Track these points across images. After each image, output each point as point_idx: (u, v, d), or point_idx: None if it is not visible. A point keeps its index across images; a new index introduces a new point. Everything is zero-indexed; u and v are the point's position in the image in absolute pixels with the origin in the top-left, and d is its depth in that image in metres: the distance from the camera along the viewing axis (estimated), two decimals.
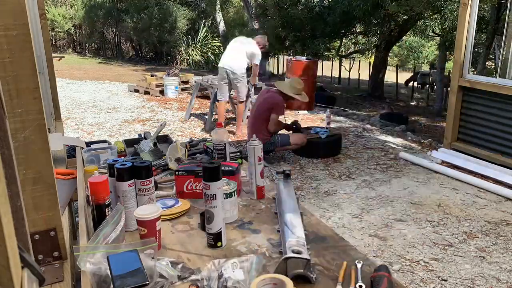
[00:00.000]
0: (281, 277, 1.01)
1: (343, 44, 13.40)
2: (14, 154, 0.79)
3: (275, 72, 14.98)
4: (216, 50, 15.88)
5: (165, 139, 2.39)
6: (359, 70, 14.03)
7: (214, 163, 1.26)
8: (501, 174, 3.94)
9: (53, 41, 18.09)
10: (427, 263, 2.67)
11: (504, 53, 4.80)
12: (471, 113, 4.56)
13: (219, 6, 14.99)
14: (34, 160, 1.00)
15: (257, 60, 5.59)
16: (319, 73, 7.68)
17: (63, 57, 15.26)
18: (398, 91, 11.79)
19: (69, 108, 7.19)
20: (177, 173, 1.62)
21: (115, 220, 1.16)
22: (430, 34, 9.58)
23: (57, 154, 2.06)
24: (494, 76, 5.49)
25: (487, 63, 9.48)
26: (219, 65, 5.65)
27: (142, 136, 2.28)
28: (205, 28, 16.12)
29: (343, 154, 4.85)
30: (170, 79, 8.33)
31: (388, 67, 11.87)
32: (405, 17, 8.80)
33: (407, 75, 14.36)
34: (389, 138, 5.58)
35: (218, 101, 5.68)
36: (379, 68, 10.37)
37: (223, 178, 1.30)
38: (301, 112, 6.83)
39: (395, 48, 17.05)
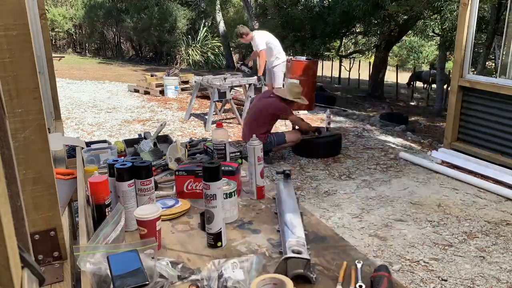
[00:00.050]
0: (281, 277, 1.01)
1: (343, 44, 13.40)
2: (14, 154, 0.79)
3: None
4: (216, 50, 15.89)
5: (165, 139, 2.39)
6: (359, 70, 14.02)
7: (214, 163, 1.26)
8: (501, 174, 3.94)
9: (53, 41, 18.08)
10: (427, 263, 2.67)
11: (504, 53, 4.80)
12: (471, 113, 4.56)
13: (219, 6, 15.00)
14: (34, 160, 1.00)
15: (257, 47, 6.39)
16: (319, 73, 7.67)
17: (63, 57, 15.25)
18: (398, 91, 11.79)
19: (69, 108, 7.19)
20: (177, 173, 1.62)
21: (115, 220, 1.16)
22: (430, 34, 9.57)
23: (57, 154, 2.06)
24: (494, 76, 5.49)
25: (487, 63, 9.48)
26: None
27: (142, 136, 2.28)
28: (205, 28, 16.13)
29: (343, 154, 4.85)
30: (170, 79, 8.33)
31: (388, 67, 11.87)
32: (405, 17, 8.80)
33: (407, 75, 14.36)
34: (389, 138, 5.58)
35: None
36: (379, 68, 10.37)
37: (223, 178, 1.30)
38: (301, 112, 6.82)
39: (395, 48, 17.06)
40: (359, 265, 1.14)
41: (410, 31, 10.13)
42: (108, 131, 5.80)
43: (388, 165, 4.49)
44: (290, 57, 7.36)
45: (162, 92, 8.33)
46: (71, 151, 2.23)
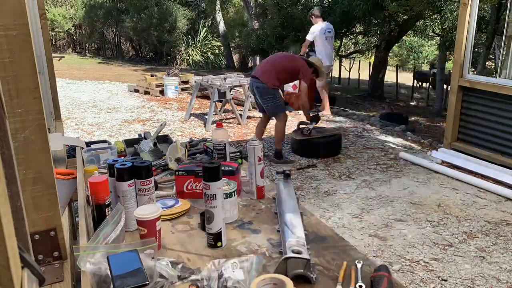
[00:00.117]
0: (281, 277, 1.01)
1: (343, 44, 13.39)
2: (14, 154, 0.79)
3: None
4: (216, 50, 15.89)
5: (165, 139, 2.39)
6: (359, 70, 14.02)
7: (214, 163, 1.26)
8: (501, 174, 3.94)
9: (53, 41, 18.08)
10: (427, 263, 2.67)
11: (504, 53, 4.80)
12: (471, 113, 4.56)
13: (219, 6, 15.00)
14: (34, 160, 1.00)
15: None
16: None
17: (63, 57, 15.25)
18: (398, 91, 11.79)
19: (69, 108, 7.19)
20: (177, 173, 1.62)
21: (115, 220, 1.16)
22: (430, 34, 9.57)
23: (57, 154, 2.06)
24: (494, 76, 5.49)
25: (487, 63, 9.47)
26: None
27: (142, 136, 2.28)
28: (205, 28, 16.13)
29: (343, 154, 4.85)
30: (170, 79, 8.33)
31: (388, 67, 11.86)
32: (405, 17, 8.79)
33: (407, 75, 14.35)
34: (389, 138, 5.58)
35: None
36: (379, 68, 10.36)
37: (223, 178, 1.30)
38: (301, 112, 6.82)
39: (395, 48, 17.04)
40: (359, 265, 1.14)
41: (410, 31, 10.12)
42: (108, 131, 5.80)
43: (388, 165, 4.49)
44: None
45: (162, 92, 8.33)
46: (71, 151, 2.23)
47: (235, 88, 6.89)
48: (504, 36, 4.77)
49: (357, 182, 4.03)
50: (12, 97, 0.95)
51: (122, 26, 16.87)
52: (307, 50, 7.03)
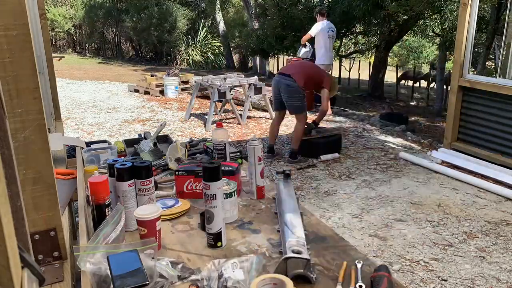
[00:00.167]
0: (281, 277, 1.01)
1: (343, 44, 13.40)
2: (14, 154, 0.78)
3: (275, 72, 14.97)
4: (216, 50, 15.90)
5: (165, 139, 2.39)
6: (359, 70, 14.03)
7: (214, 163, 1.26)
8: (501, 174, 3.94)
9: (53, 41, 18.09)
10: (427, 263, 2.67)
11: (504, 53, 4.80)
12: (471, 113, 4.56)
13: (219, 6, 15.00)
14: (34, 160, 1.00)
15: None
16: None
17: (63, 57, 15.25)
18: (398, 91, 11.79)
19: (69, 108, 7.19)
20: (177, 173, 1.62)
21: (115, 220, 1.16)
22: (430, 34, 9.57)
23: (57, 154, 2.06)
24: (494, 76, 5.49)
25: (487, 63, 9.47)
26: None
27: (142, 136, 2.28)
28: (205, 28, 16.14)
29: (343, 154, 4.85)
30: (170, 79, 8.33)
31: (388, 67, 11.87)
32: (405, 17, 8.79)
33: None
34: (389, 138, 5.58)
35: None
36: (379, 68, 10.36)
37: (223, 178, 1.30)
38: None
39: (395, 48, 17.04)
40: (359, 265, 1.14)
41: (410, 31, 10.13)
42: (108, 131, 5.80)
43: (388, 165, 4.49)
44: (290, 57, 7.37)
45: (162, 92, 8.33)
46: (71, 151, 2.23)
47: (235, 88, 6.90)
48: (504, 36, 4.77)
49: (357, 182, 4.03)
50: (12, 97, 0.95)
51: (122, 26, 16.88)
52: (306, 45, 7.07)
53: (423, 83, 13.07)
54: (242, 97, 7.08)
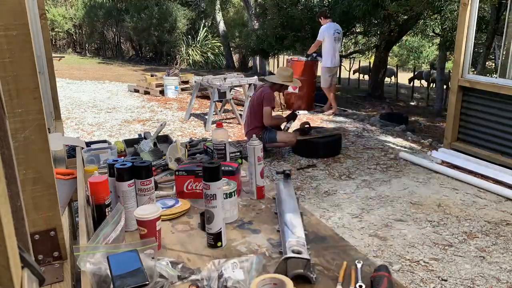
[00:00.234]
0: (281, 277, 1.01)
1: (343, 44, 13.40)
2: (14, 154, 0.78)
3: (275, 72, 14.96)
4: (216, 50, 15.90)
5: (165, 139, 2.40)
6: (359, 70, 14.03)
7: (214, 163, 1.26)
8: (501, 174, 3.94)
9: (53, 41, 18.09)
10: (427, 263, 2.67)
11: (504, 53, 4.80)
12: (471, 113, 4.56)
13: (219, 6, 15.01)
14: (34, 160, 1.00)
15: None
16: (319, 73, 7.68)
17: (63, 57, 15.25)
18: (398, 91, 11.79)
19: (69, 108, 7.19)
20: (177, 173, 1.62)
21: (115, 220, 1.16)
22: (430, 34, 9.56)
23: (57, 154, 2.06)
24: (494, 76, 5.49)
25: (487, 63, 9.47)
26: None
27: (142, 136, 2.28)
28: (205, 28, 16.14)
29: (343, 154, 4.85)
30: (170, 79, 8.33)
31: (388, 67, 11.87)
32: (405, 17, 8.79)
33: (407, 75, 14.36)
34: (389, 138, 5.58)
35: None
36: (379, 68, 10.36)
37: (223, 178, 1.30)
38: (301, 112, 6.83)
39: (395, 48, 17.05)
40: (359, 265, 1.14)
41: (410, 31, 10.13)
42: (108, 131, 5.80)
43: (388, 165, 4.49)
44: (290, 57, 7.38)
45: (162, 92, 8.33)
46: (71, 151, 2.23)
47: (235, 88, 6.89)
48: (504, 36, 4.77)
49: (357, 182, 4.03)
50: (12, 97, 0.95)
51: (122, 26, 16.89)
52: (315, 55, 7.08)
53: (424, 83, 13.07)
54: (242, 97, 7.08)
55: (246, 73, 10.92)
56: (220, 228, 1.25)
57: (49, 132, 1.56)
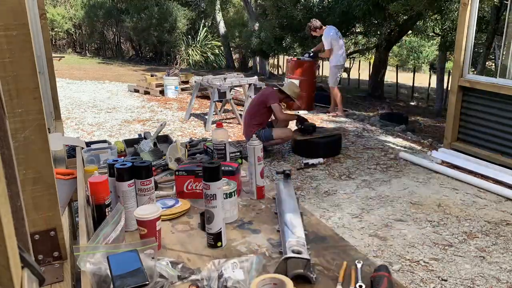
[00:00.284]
0: (281, 277, 1.01)
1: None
2: (14, 154, 0.78)
3: (275, 72, 14.98)
4: (216, 50, 15.90)
5: (165, 139, 2.40)
6: (359, 70, 14.03)
7: (214, 163, 1.26)
8: (501, 174, 3.94)
9: (53, 41, 18.08)
10: (427, 263, 2.67)
11: (504, 53, 4.80)
12: (471, 113, 4.56)
13: (219, 6, 15.00)
14: (34, 160, 1.00)
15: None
16: (319, 73, 7.68)
17: (63, 57, 15.25)
18: (398, 91, 11.79)
19: (69, 108, 7.19)
20: (177, 173, 1.62)
21: (115, 220, 1.16)
22: (430, 34, 9.56)
23: (57, 154, 2.06)
24: (494, 76, 5.49)
25: (487, 63, 9.47)
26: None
27: (142, 136, 2.28)
28: (205, 28, 16.14)
29: (343, 154, 4.85)
30: (170, 79, 8.33)
31: (388, 67, 11.86)
32: (405, 17, 8.79)
33: (407, 75, 14.34)
34: (389, 138, 5.58)
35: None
36: (379, 68, 10.36)
37: (223, 178, 1.30)
38: (301, 112, 6.83)
39: (395, 48, 17.04)
40: (359, 265, 1.14)
41: (410, 31, 10.12)
42: (108, 131, 5.80)
43: (388, 165, 4.49)
44: (290, 57, 7.38)
45: (162, 92, 8.33)
46: (71, 151, 2.23)
47: (235, 88, 6.89)
48: (504, 36, 4.77)
49: (357, 182, 4.03)
50: (12, 97, 0.95)
51: (122, 26, 16.87)
52: (312, 54, 7.09)
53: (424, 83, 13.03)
54: (242, 97, 7.09)
55: (246, 73, 10.92)
56: (220, 228, 1.25)
57: (49, 132, 1.56)
